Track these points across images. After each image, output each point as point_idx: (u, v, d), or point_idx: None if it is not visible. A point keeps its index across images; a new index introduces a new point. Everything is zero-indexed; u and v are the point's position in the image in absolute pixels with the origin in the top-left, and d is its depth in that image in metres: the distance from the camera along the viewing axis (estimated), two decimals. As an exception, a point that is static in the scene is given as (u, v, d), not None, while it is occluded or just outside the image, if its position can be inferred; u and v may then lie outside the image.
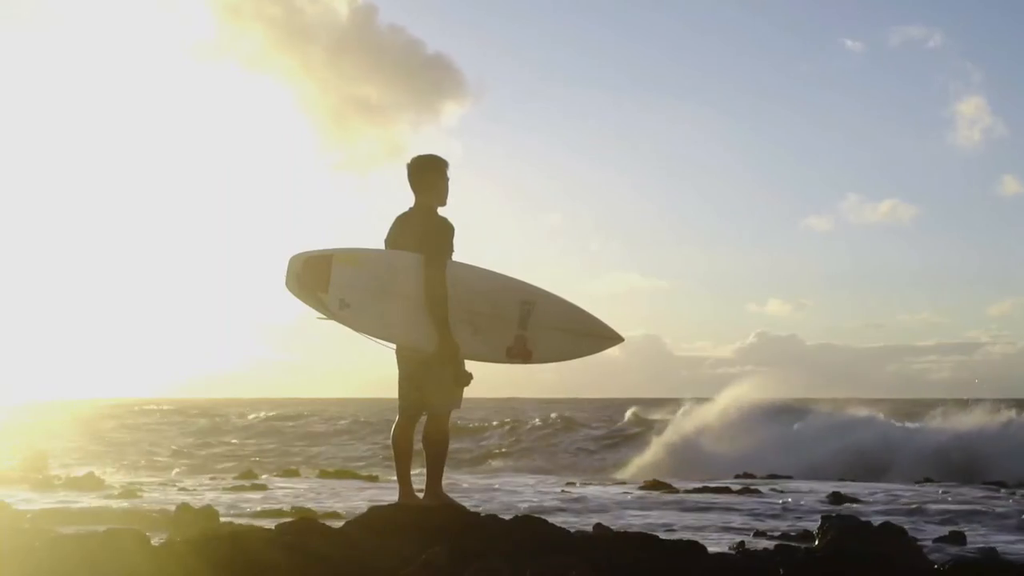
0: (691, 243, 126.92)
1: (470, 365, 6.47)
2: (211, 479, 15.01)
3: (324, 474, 15.45)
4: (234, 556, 4.79)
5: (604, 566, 5.15)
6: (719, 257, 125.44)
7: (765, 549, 6.37)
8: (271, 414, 43.25)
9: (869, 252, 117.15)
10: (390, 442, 6.59)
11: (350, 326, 6.36)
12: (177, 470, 16.55)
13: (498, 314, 6.50)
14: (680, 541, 6.39)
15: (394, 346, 6.47)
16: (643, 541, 6.29)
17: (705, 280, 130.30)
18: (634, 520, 9.80)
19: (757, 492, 13.32)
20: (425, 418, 6.51)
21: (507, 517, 6.57)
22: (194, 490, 12.98)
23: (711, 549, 6.71)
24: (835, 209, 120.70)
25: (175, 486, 13.72)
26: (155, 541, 5.35)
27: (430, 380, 6.38)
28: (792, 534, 8.39)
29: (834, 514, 8.54)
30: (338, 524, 6.31)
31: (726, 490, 13.48)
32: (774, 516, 10.47)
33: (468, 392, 6.51)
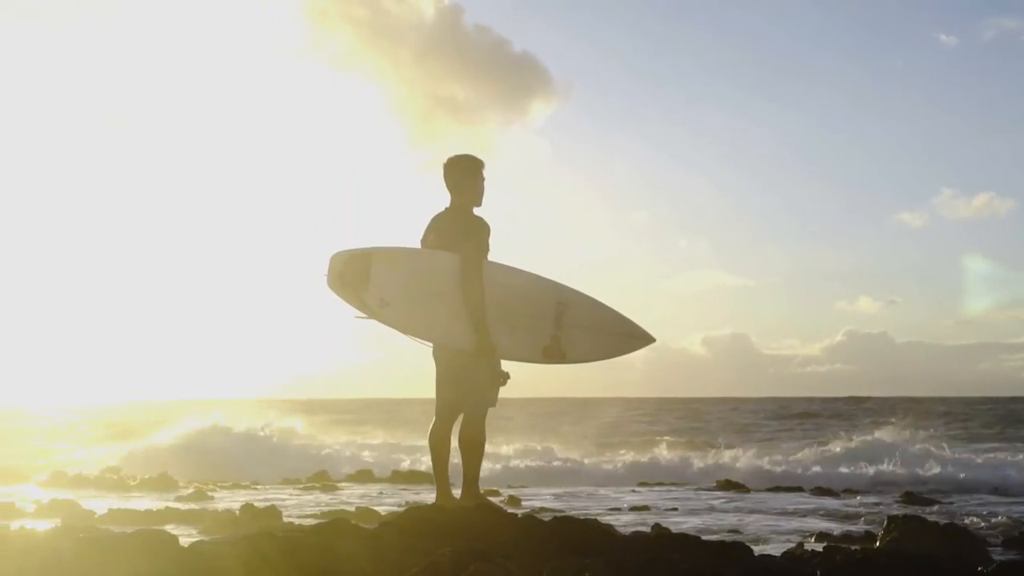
0: (779, 241, 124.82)
1: (507, 365, 6.43)
2: (284, 480, 15.19)
3: (397, 476, 15.55)
4: (255, 555, 4.81)
5: (629, 567, 5.05)
6: (807, 254, 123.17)
7: (812, 551, 6.20)
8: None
9: (962, 247, 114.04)
10: (427, 442, 6.57)
11: (390, 325, 6.37)
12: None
13: (534, 314, 6.47)
14: (723, 542, 6.26)
15: (431, 345, 6.46)
16: (685, 542, 6.17)
17: (793, 278, 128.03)
18: (701, 521, 9.67)
19: (831, 493, 13.10)
20: (461, 418, 6.47)
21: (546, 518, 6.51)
22: (266, 490, 13.16)
23: (767, 551, 6.57)
24: (928, 204, 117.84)
25: (248, 487, 13.92)
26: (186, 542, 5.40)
27: (467, 380, 6.35)
28: (854, 535, 8.19)
29: (901, 515, 8.32)
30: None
31: (799, 489, 13.30)
32: (843, 517, 10.27)
33: (505, 392, 6.47)
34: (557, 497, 12.36)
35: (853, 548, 5.99)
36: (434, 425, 6.51)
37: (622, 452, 18.51)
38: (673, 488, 14.36)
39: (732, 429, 33.42)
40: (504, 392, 6.57)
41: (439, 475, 6.48)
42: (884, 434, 19.73)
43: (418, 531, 5.68)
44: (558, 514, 6.84)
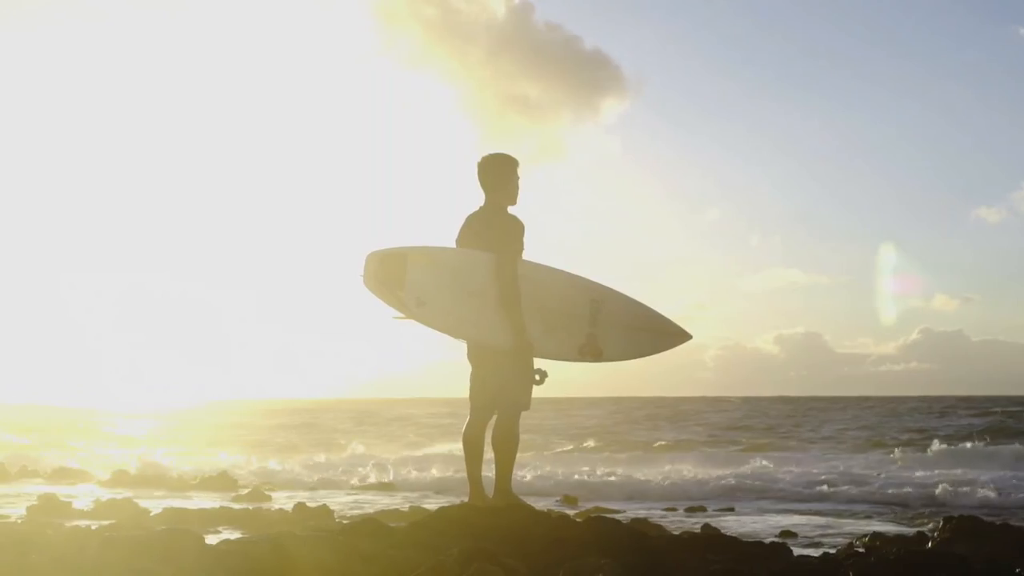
0: (853, 238, 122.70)
1: (542, 364, 6.38)
2: (343, 477, 15.30)
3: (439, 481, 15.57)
4: (274, 555, 4.82)
5: (648, 567, 4.97)
6: (883, 252, 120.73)
7: (854, 552, 6.08)
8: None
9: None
10: (461, 442, 6.54)
11: (427, 324, 6.33)
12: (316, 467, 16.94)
13: (570, 312, 6.40)
14: (761, 543, 6.16)
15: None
16: (722, 542, 6.08)
17: (867, 275, 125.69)
18: (756, 522, 9.56)
19: (900, 495, 12.87)
20: (495, 417, 6.43)
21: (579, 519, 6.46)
22: (323, 490, 13.27)
23: (814, 553, 6.44)
24: (1007, 199, 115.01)
25: (305, 486, 14.04)
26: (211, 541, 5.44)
27: (502, 379, 6.31)
28: (907, 536, 8.01)
29: (956, 516, 8.13)
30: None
31: (870, 498, 13.17)
32: (905, 519, 10.09)
33: (546, 390, 6.41)
34: (613, 499, 12.27)
35: (892, 549, 5.84)
36: (468, 424, 6.48)
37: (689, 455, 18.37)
38: (733, 492, 14.18)
39: (805, 430, 32.91)
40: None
41: (472, 474, 6.44)
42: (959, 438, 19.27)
43: (446, 531, 5.64)
44: (599, 515, 6.76)
